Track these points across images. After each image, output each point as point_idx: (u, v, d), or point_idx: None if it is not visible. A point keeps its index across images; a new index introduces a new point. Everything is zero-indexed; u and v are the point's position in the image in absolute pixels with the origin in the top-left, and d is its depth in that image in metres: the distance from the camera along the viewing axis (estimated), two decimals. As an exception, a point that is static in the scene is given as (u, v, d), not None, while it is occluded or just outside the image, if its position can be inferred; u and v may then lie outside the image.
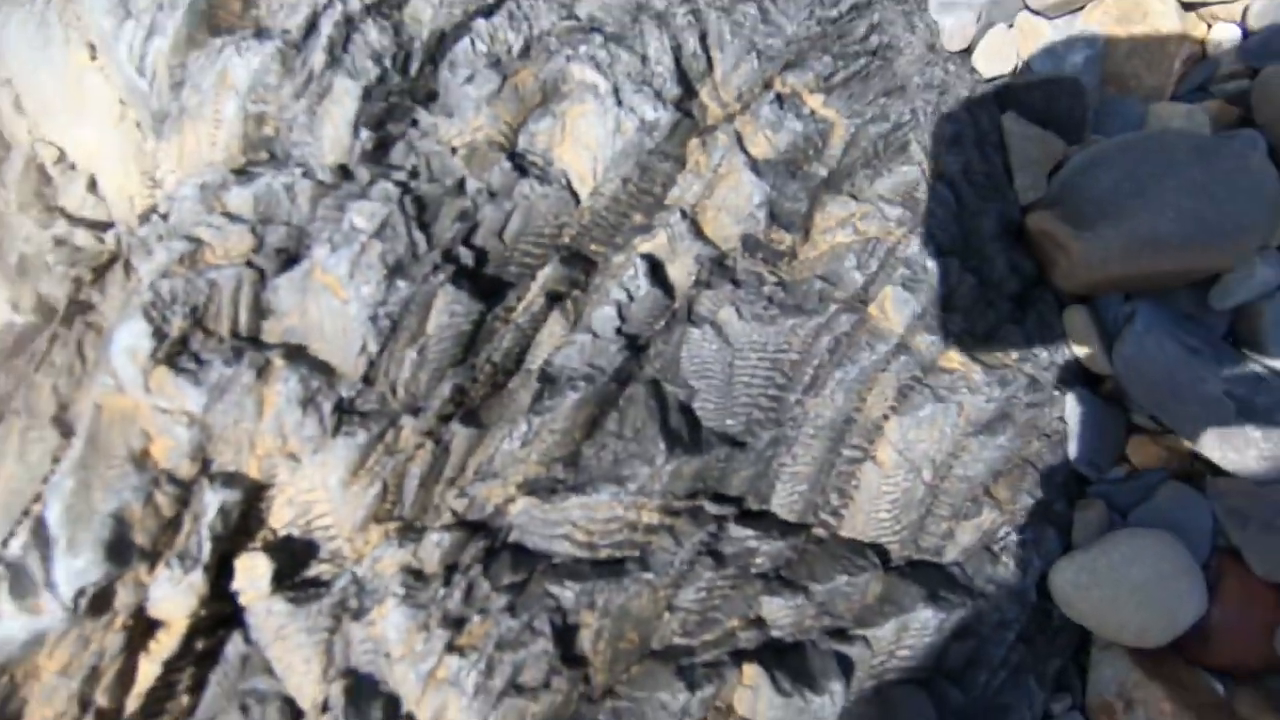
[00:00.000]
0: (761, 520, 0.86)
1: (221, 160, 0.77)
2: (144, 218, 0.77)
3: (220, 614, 0.73)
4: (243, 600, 0.71)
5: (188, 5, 0.78)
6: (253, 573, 0.69)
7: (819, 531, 0.91)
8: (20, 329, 0.72)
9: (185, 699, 0.72)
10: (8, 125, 0.87)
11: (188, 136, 0.78)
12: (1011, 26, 1.11)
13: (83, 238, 0.77)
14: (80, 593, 0.63)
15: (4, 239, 0.77)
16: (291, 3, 0.79)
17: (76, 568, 0.63)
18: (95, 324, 0.75)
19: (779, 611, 0.84)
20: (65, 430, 0.69)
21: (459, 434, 0.74)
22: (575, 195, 0.81)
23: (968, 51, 1.13)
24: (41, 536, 0.64)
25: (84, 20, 0.83)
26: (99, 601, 0.65)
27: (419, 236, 0.72)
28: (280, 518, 0.72)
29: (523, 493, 0.75)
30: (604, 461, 0.77)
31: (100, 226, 0.79)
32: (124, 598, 0.66)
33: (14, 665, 0.63)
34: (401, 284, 0.71)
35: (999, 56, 1.11)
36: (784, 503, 0.88)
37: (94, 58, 0.83)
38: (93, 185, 0.81)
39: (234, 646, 0.75)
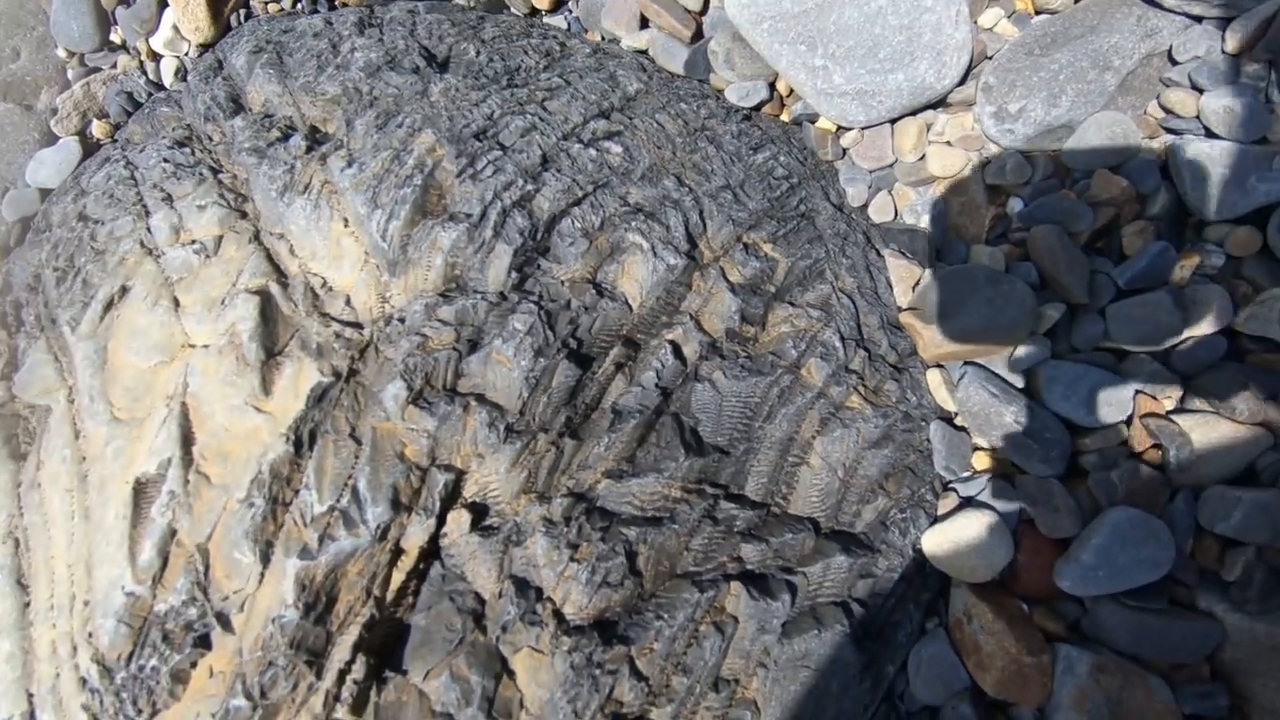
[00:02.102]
0: (739, 500, 1.43)
1: (431, 289, 1.36)
2: (385, 321, 1.34)
3: (431, 549, 1.27)
4: (449, 539, 1.26)
5: (412, 202, 1.38)
6: (459, 521, 1.24)
7: (774, 510, 1.48)
8: (325, 384, 1.28)
9: (411, 598, 1.26)
10: (284, 263, 1.45)
11: (410, 276, 1.37)
12: (891, 192, 1.76)
13: (350, 333, 1.34)
14: (379, 527, 1.17)
15: (309, 335, 1.33)
16: (469, 200, 1.39)
17: (377, 513, 1.18)
18: (361, 382, 1.31)
19: (751, 554, 1.40)
20: (356, 441, 1.24)
21: (568, 444, 1.31)
22: (630, 307, 1.40)
23: (864, 207, 1.77)
24: (356, 496, 1.19)
25: (343, 205, 1.42)
26: (382, 533, 1.19)
27: (549, 334, 1.31)
28: (469, 490, 1.28)
29: (605, 477, 1.31)
30: (649, 460, 1.34)
31: (354, 326, 1.36)
32: (393, 532, 1.21)
33: (339, 566, 1.17)
34: (541, 360, 1.29)
35: (884, 210, 1.74)
36: (753, 489, 1.45)
37: (346, 226, 1.42)
38: (348, 301, 1.38)
39: (435, 569, 1.29)
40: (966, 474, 1.64)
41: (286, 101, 1.63)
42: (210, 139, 1.68)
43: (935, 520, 1.59)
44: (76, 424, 1.36)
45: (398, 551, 1.22)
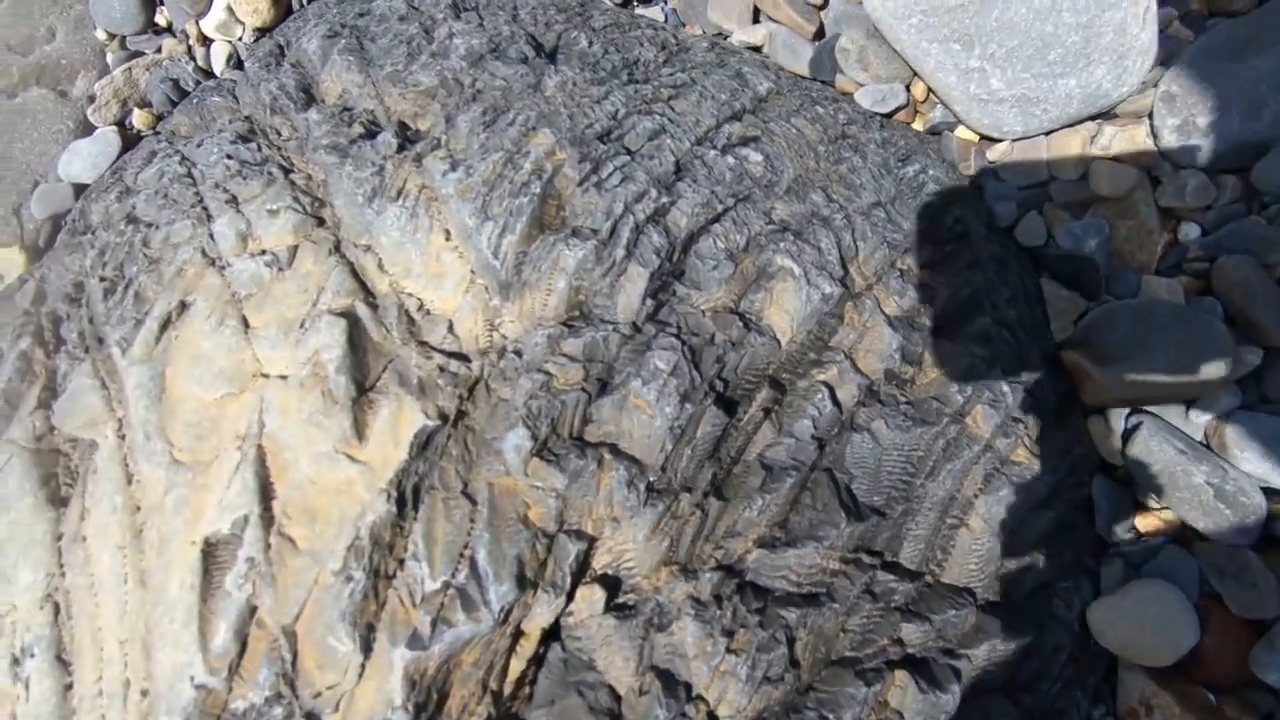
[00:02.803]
0: (895, 569, 1.23)
1: (552, 318, 1.15)
2: (498, 353, 1.14)
3: (551, 629, 1.06)
4: (574, 618, 1.06)
5: (529, 213, 1.18)
6: (591, 598, 1.04)
7: (929, 579, 1.28)
8: (430, 429, 1.07)
9: (528, 689, 1.05)
10: (371, 280, 1.24)
11: (526, 300, 1.16)
12: (1042, 213, 1.56)
13: (455, 366, 1.14)
14: (503, 609, 0.97)
15: (407, 368, 1.13)
16: (593, 213, 1.19)
17: (501, 592, 0.97)
18: (471, 426, 1.11)
19: (912, 634, 1.19)
20: (470, 500, 1.03)
21: (714, 505, 1.10)
22: (778, 343, 1.20)
23: (1010, 229, 1.57)
24: (475, 571, 0.98)
25: (444, 215, 1.22)
26: (504, 615, 0.98)
27: (695, 375, 1.10)
28: (600, 561, 1.07)
29: (756, 547, 1.11)
30: (805, 525, 1.14)
31: (459, 357, 1.16)
32: (515, 614, 1.00)
33: (454, 656, 0.96)
34: (688, 406, 1.09)
35: (1034, 234, 1.55)
36: (908, 556, 1.25)
37: (448, 239, 1.22)
38: (450, 328, 1.18)
39: (554, 652, 1.08)
40: (1132, 538, 1.43)
41: (368, 93, 1.43)
42: (278, 133, 1.47)
43: (1099, 592, 1.39)
44: (129, 465, 1.15)
45: (517, 635, 1.02)
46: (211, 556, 1.02)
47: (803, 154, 1.32)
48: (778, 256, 1.20)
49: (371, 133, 1.38)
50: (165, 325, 1.25)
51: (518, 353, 1.12)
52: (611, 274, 1.15)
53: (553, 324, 1.13)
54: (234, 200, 1.36)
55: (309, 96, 1.50)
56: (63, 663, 1.06)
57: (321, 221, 1.32)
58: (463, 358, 1.15)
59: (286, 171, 1.38)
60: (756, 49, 1.69)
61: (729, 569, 1.08)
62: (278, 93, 1.50)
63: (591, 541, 1.05)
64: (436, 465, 1.06)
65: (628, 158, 1.22)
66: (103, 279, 1.35)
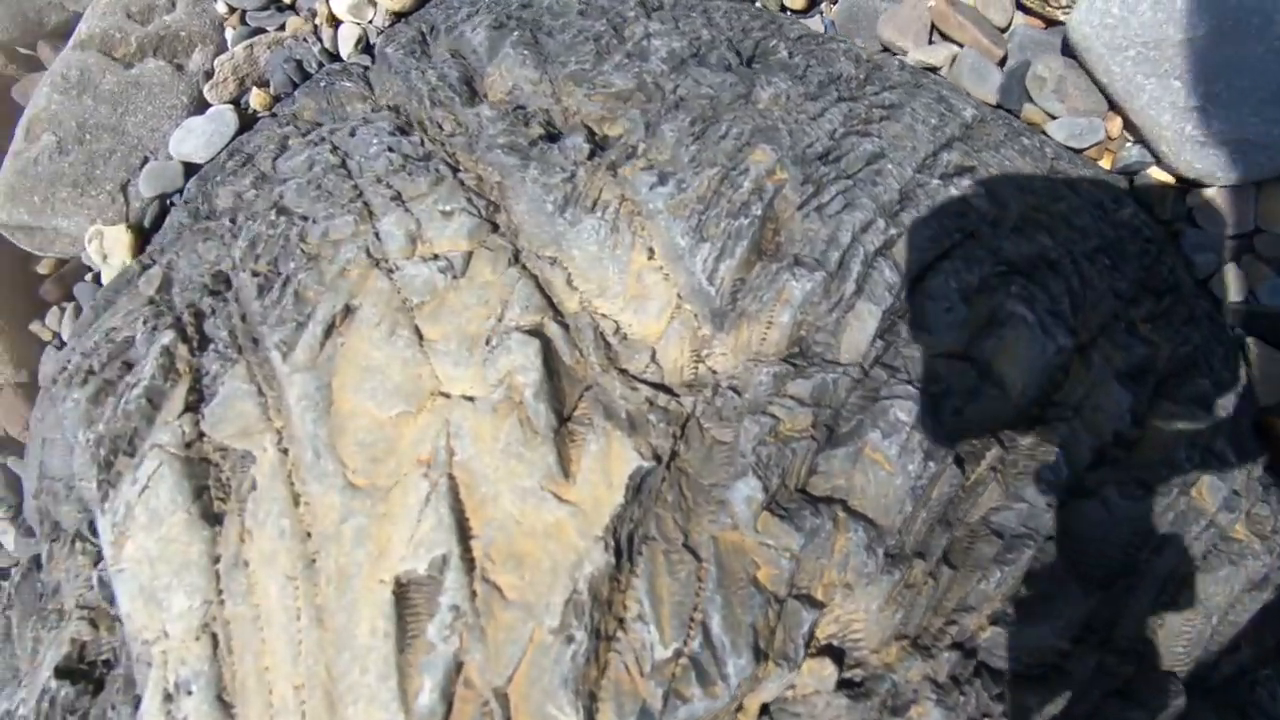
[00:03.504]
0: (1115, 649, 1.12)
1: (771, 353, 1.05)
2: (713, 390, 1.04)
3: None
4: (794, 692, 0.95)
5: (750, 237, 1.07)
6: (820, 673, 0.93)
7: (1142, 661, 1.17)
8: (645, 470, 0.97)
9: (740, 767, 0.94)
10: (559, 297, 1.14)
11: (742, 332, 1.06)
12: (1242, 265, 1.46)
13: (664, 401, 1.03)
14: (740, 684, 0.86)
15: (612, 399, 1.02)
16: (813, 240, 1.09)
17: (740, 665, 0.87)
18: (682, 469, 1.00)
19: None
20: (695, 556, 0.93)
21: (945, 574, 1.00)
22: (1008, 396, 1.09)
23: (1206, 281, 1.47)
24: (709, 639, 0.88)
25: (649, 232, 1.12)
26: (739, 691, 0.88)
27: (936, 429, 1.00)
28: (825, 631, 0.96)
29: (989, 623, 1.00)
30: (1037, 600, 1.03)
31: (664, 390, 1.05)
32: (745, 688, 0.89)
33: (684, 735, 0.85)
34: (931, 464, 0.98)
35: (1234, 289, 1.45)
36: (1124, 635, 1.15)
37: (652, 257, 1.11)
38: (653, 357, 1.07)
39: (762, 727, 0.97)
40: (1334, 622, 1.32)
41: (544, 91, 1.33)
42: (439, 127, 1.37)
43: (1303, 680, 1.28)
44: (295, 484, 1.05)
45: (740, 706, 0.91)
46: (404, 600, 0.92)
47: (1022, 188, 1.22)
48: (1009, 301, 1.10)
49: (551, 135, 1.28)
50: (329, 330, 1.15)
51: (735, 389, 1.02)
52: (839, 310, 1.05)
53: (774, 361, 1.03)
54: (399, 197, 1.26)
55: (471, 90, 1.40)
56: (224, 704, 0.95)
57: (495, 227, 1.22)
58: (667, 391, 1.04)
59: (454, 170, 1.28)
60: (933, 70, 1.59)
61: (962, 647, 0.98)
62: (438, 84, 1.40)
63: (821, 609, 0.95)
64: (652, 512, 0.95)
65: (849, 181, 1.12)
66: (255, 274, 1.24)
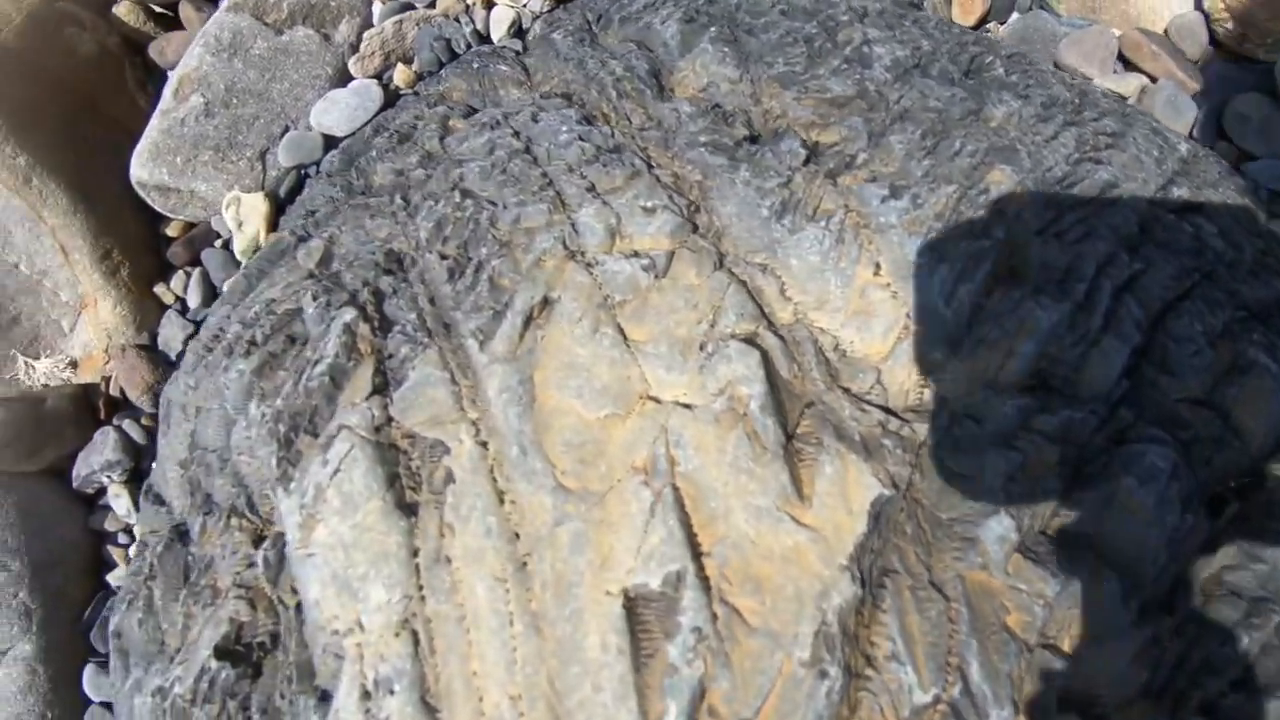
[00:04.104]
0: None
1: (1009, 384, 1.00)
2: (951, 418, 0.98)
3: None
4: (1031, 747, 0.89)
5: (991, 261, 1.02)
6: (1067, 730, 0.88)
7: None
8: (885, 499, 0.92)
9: (966, 821, 0.89)
10: (771, 307, 1.09)
11: (979, 359, 1.01)
12: None
13: (895, 425, 0.98)
14: (1004, 736, 0.81)
15: (841, 419, 0.97)
16: (1051, 269, 1.04)
17: (1002, 716, 0.82)
18: (917, 499, 0.95)
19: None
20: (942, 595, 0.88)
21: (1190, 632, 0.94)
22: (1247, 445, 1.04)
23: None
24: (968, 686, 0.83)
25: (876, 246, 1.07)
26: (991, 742, 0.83)
27: (1192, 479, 0.94)
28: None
29: (1231, 689, 0.95)
30: (1273, 669, 0.98)
31: (889, 413, 1.00)
32: (996, 740, 0.84)
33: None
34: (1188, 517, 0.93)
35: None
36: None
37: (878, 273, 1.06)
38: (878, 378, 1.02)
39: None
40: None
41: (742, 91, 1.28)
42: (627, 120, 1.33)
43: None
44: (498, 481, 1.00)
45: (979, 760, 0.86)
46: (635, 615, 0.87)
47: (1250, 230, 1.16)
48: (1250, 349, 1.04)
49: (751, 137, 1.23)
50: (528, 321, 1.11)
51: (976, 419, 0.96)
52: (1083, 344, 1.00)
53: (1016, 392, 0.97)
54: (593, 189, 1.21)
55: (659, 85, 1.35)
56: (428, 706, 0.91)
57: (695, 227, 1.17)
58: (892, 414, 0.99)
59: (648, 165, 1.24)
60: (1121, 99, 1.54)
61: (1209, 712, 0.92)
62: (625, 75, 1.35)
63: (1069, 660, 0.89)
64: (892, 543, 0.90)
65: (1087, 209, 1.07)
66: (444, 256, 1.20)
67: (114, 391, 1.80)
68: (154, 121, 1.71)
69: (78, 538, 1.71)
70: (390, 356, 1.15)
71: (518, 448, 1.01)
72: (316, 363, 1.15)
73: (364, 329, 1.17)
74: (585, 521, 0.95)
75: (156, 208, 1.79)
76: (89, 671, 1.63)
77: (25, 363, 1.80)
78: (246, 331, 1.31)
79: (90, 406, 1.78)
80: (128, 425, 1.75)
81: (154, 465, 1.59)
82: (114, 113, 1.81)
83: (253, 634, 1.15)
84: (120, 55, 1.90)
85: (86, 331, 1.79)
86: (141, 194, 1.75)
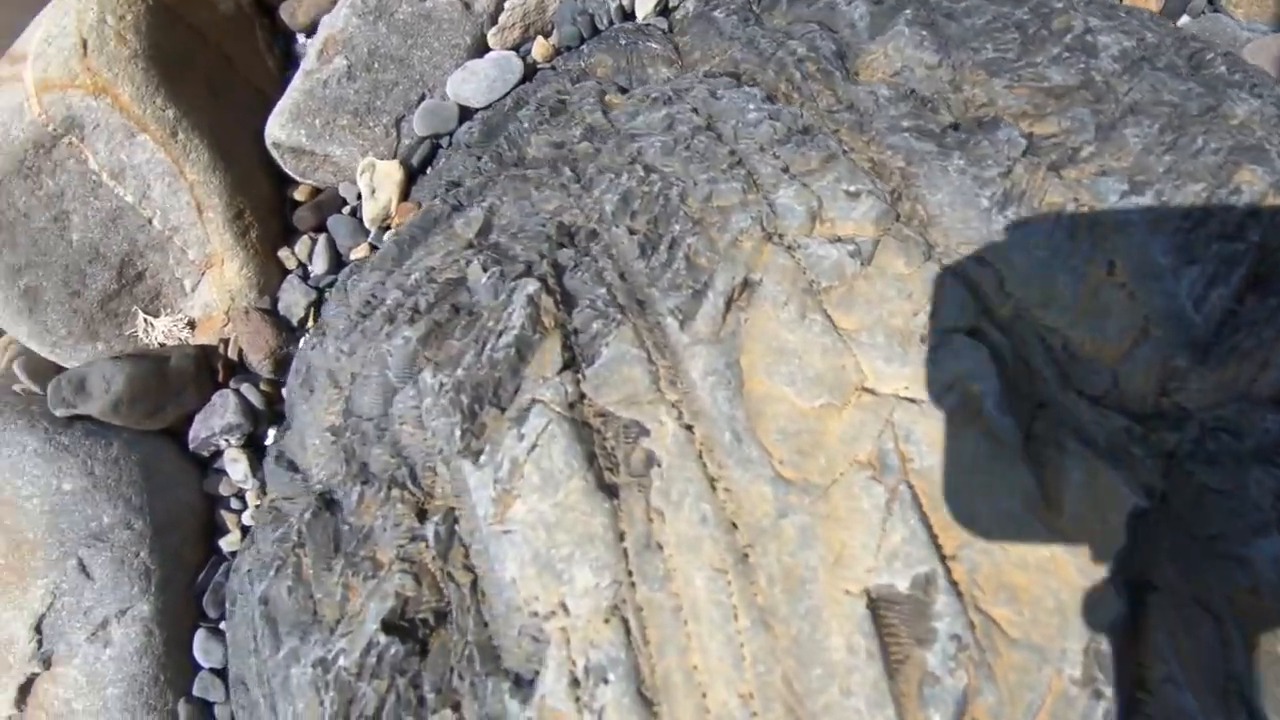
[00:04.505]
0: None
1: (1266, 396, 0.94)
2: (1201, 429, 0.93)
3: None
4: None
5: (1246, 266, 0.96)
6: (1338, 770, 0.81)
7: None
8: (1141, 509, 0.86)
9: None
10: (990, 300, 1.04)
11: (1229, 369, 0.95)
12: None
13: (1141, 433, 0.92)
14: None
15: (1081, 422, 0.92)
16: (1306, 276, 0.98)
17: (1292, 753, 0.76)
18: (1171, 512, 0.89)
19: None
20: (1208, 613, 0.82)
21: None
22: None
23: None
24: (1252, 716, 0.77)
25: (1113, 245, 1.01)
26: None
27: None
28: (1328, 720, 0.85)
29: None
30: None
31: (1132, 418, 0.94)
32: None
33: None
34: None
35: None
36: None
37: (1112, 272, 1.01)
38: (1115, 382, 0.97)
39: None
40: None
41: (941, 77, 1.22)
42: (813, 101, 1.27)
43: None
44: (708, 467, 0.96)
45: (1244, 797, 0.80)
46: (879, 617, 0.82)
47: None
48: None
49: (954, 124, 1.17)
50: (729, 303, 1.06)
51: (1230, 432, 0.90)
52: (1343, 360, 0.93)
53: (1271, 406, 0.91)
54: (787, 170, 1.16)
55: (844, 67, 1.30)
56: (644, 699, 0.86)
57: (897, 216, 1.12)
58: (1140, 421, 0.93)
59: (842, 149, 1.18)
60: (1311, 108, 1.46)
61: None
62: (808, 55, 1.30)
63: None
64: (1152, 559, 0.84)
65: (1334, 217, 1.01)
66: (633, 231, 1.15)
67: (232, 355, 1.78)
68: (296, 82, 1.68)
69: (193, 501, 1.68)
70: (577, 332, 1.11)
71: (730, 433, 0.96)
72: (500, 334, 1.10)
73: (547, 301, 1.13)
74: (811, 515, 0.90)
75: (287, 170, 1.76)
76: (200, 637, 1.61)
77: (145, 320, 1.78)
78: (408, 299, 1.27)
79: (209, 368, 1.76)
80: (246, 389, 1.72)
81: (283, 431, 1.56)
82: (247, 73, 1.79)
83: (416, 610, 1.11)
84: (251, 15, 1.88)
85: (208, 292, 1.77)
86: (274, 155, 1.73)
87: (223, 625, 1.63)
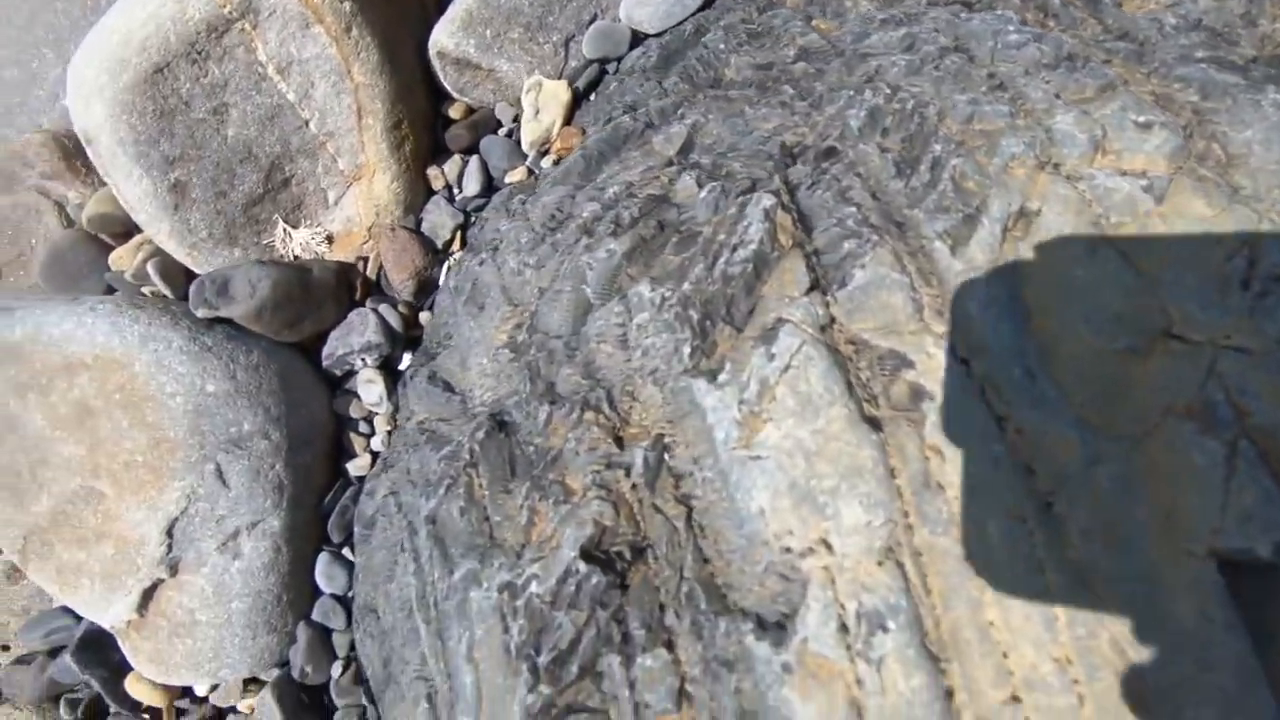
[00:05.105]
0: None
1: None
2: None
3: None
4: None
5: None
6: None
7: None
8: None
9: None
10: None
11: None
12: None
13: None
14: None
15: None
16: None
17: None
18: None
19: None
20: None
21: None
22: None
23: None
24: None
25: None
26: None
27: None
28: None
29: None
30: None
31: None
32: None
33: None
34: None
35: None
36: None
37: None
38: None
39: None
40: None
41: (1231, 9, 1.09)
42: (1074, 28, 1.15)
43: None
44: (993, 405, 0.84)
45: None
46: (1237, 585, 0.70)
47: None
48: None
49: (1256, 59, 1.04)
50: (1005, 231, 0.94)
51: None
52: None
53: None
54: (1059, 96, 1.04)
55: (1107, -4, 1.17)
56: (930, 655, 0.76)
57: (1189, 154, 0.99)
58: None
59: (1121, 80, 1.06)
60: None
61: None
62: (1067, -19, 1.18)
63: None
64: None
65: None
66: (884, 150, 1.04)
67: (370, 274, 1.71)
68: (472, -13, 1.60)
69: (324, 421, 1.61)
70: (819, 253, 1.00)
71: (1020, 370, 0.85)
72: (735, 248, 1.00)
73: (784, 218, 1.03)
74: (1126, 465, 0.78)
75: (445, 85, 1.68)
76: (323, 561, 1.54)
77: (284, 229, 1.71)
78: (607, 213, 1.18)
79: (348, 285, 1.69)
80: (384, 310, 1.65)
81: (433, 352, 1.48)
82: (410, -21, 1.70)
83: (612, 543, 1.02)
84: (417, -79, 1.79)
85: (352, 206, 1.69)
86: (436, 66, 1.64)
87: (347, 552, 1.56)
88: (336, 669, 1.48)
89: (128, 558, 1.41)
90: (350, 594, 1.52)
